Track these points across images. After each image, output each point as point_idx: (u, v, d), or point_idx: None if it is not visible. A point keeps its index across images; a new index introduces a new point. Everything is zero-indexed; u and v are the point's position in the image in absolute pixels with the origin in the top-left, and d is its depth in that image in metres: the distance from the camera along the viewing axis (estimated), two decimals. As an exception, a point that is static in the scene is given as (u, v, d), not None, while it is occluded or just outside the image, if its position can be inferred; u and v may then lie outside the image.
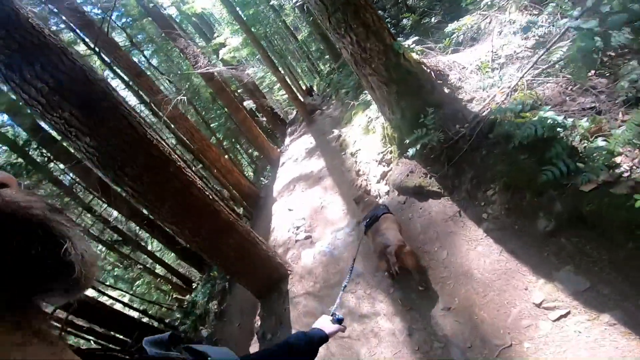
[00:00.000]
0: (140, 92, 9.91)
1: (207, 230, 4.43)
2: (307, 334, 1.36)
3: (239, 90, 20.49)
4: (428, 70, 4.88)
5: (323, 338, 1.40)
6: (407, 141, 4.67)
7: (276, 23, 23.53)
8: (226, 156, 12.18)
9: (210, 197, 4.44)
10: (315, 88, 24.18)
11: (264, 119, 20.65)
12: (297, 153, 12.97)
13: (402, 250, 3.64)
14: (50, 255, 0.42)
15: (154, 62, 19.63)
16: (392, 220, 4.09)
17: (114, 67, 9.55)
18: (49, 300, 0.46)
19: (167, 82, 15.78)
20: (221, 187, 12.98)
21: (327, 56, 19.89)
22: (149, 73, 13.31)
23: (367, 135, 7.91)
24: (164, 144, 3.81)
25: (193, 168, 4.22)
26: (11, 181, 0.47)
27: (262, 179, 15.39)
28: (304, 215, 7.76)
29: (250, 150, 22.81)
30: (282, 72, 18.34)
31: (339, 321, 1.56)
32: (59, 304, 0.47)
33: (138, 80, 9.37)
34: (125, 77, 10.15)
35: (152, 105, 8.91)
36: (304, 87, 24.97)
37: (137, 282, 17.28)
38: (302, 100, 17.20)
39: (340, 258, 5.07)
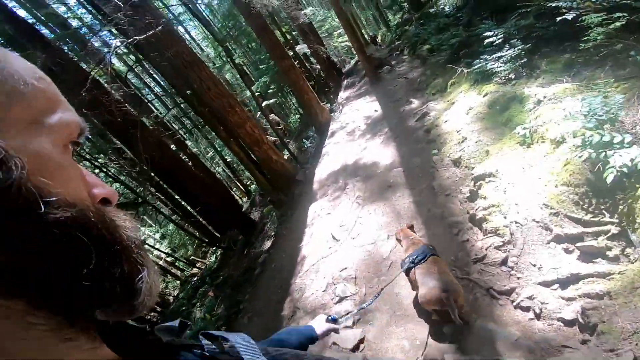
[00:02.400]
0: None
1: None
2: (298, 331, 1.22)
3: (293, 33, 16.16)
4: None
5: (314, 338, 1.24)
6: None
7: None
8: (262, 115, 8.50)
9: None
10: (379, 39, 19.80)
11: (318, 66, 16.28)
12: (354, 122, 8.94)
13: (460, 297, 2.64)
14: (125, 279, 0.39)
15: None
16: (444, 264, 2.95)
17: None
18: (102, 313, 0.41)
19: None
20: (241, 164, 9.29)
21: (404, 3, 15.18)
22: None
23: (503, 141, 3.92)
24: None
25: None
26: (114, 197, 0.45)
27: (304, 141, 11.47)
28: (355, 265, 4.18)
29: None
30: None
31: (334, 321, 1.37)
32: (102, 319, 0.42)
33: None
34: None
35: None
36: (366, 37, 20.37)
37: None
38: (366, 51, 12.62)
39: None
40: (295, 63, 15.15)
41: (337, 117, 10.12)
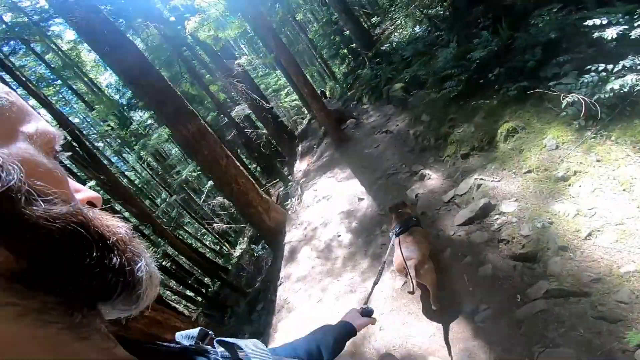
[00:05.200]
0: None
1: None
2: (335, 327, 1.15)
3: (232, 94, 12.20)
4: None
5: (351, 332, 1.16)
6: None
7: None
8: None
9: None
10: (328, 93, 17.43)
11: (265, 131, 12.53)
12: (326, 224, 5.04)
13: (422, 266, 2.64)
14: (125, 269, 0.39)
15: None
16: (421, 234, 2.93)
17: None
18: (107, 310, 0.41)
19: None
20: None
21: (353, 45, 12.65)
22: None
23: None
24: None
25: None
26: (98, 201, 0.46)
27: (253, 247, 7.37)
28: None
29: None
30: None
31: (369, 314, 1.27)
32: (112, 317, 0.42)
33: None
34: None
35: None
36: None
37: None
38: (324, 103, 9.08)
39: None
40: (233, 132, 11.38)
41: (297, 214, 6.16)
